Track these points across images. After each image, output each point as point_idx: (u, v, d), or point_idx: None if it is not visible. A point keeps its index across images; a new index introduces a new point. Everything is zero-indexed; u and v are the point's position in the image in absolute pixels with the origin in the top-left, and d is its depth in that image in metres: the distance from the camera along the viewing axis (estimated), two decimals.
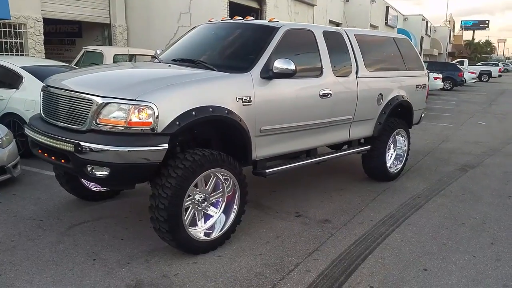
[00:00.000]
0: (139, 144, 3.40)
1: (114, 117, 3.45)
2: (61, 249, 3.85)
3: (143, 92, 3.46)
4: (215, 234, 3.89)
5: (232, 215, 4.00)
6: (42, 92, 4.09)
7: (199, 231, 3.84)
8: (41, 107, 4.10)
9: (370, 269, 3.64)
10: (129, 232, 4.21)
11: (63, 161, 3.66)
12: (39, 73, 6.50)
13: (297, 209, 4.96)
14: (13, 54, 11.12)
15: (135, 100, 3.41)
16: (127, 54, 9.60)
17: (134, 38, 14.37)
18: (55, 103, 3.84)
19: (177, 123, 3.49)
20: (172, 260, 3.70)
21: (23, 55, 11.38)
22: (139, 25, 14.33)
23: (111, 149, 3.36)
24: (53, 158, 3.77)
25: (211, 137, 4.19)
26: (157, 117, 3.43)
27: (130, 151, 3.37)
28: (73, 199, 4.97)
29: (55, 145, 3.63)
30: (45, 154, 3.85)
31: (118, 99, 3.43)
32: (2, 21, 10.73)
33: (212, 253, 3.84)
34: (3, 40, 11.03)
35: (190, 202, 3.74)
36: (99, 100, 3.46)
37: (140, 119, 3.43)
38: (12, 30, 11.22)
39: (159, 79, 3.74)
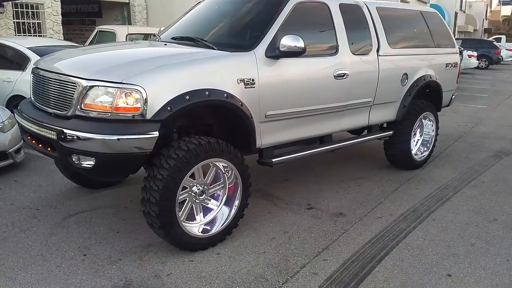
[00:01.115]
0: (126, 132, 3.07)
1: (99, 102, 3.12)
2: (52, 242, 3.61)
3: (130, 74, 3.12)
4: (215, 230, 3.56)
5: (234, 209, 3.66)
6: (31, 75, 3.81)
7: (197, 226, 3.52)
8: (31, 90, 3.82)
9: (386, 274, 3.24)
10: (126, 224, 3.94)
11: (49, 149, 3.39)
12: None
13: (309, 200, 4.57)
14: (31, 35, 11.00)
15: (120, 83, 3.06)
16: (141, 34, 9.28)
17: (153, 17, 14.07)
18: (42, 86, 3.55)
19: (168, 108, 3.14)
20: (167, 257, 3.40)
21: (41, 35, 11.25)
22: (158, 3, 13.98)
23: (95, 137, 3.05)
24: (40, 145, 3.49)
25: (211, 123, 3.83)
26: (145, 101, 3.08)
27: (116, 139, 3.04)
28: (74, 186, 4.73)
29: (39, 132, 3.35)
30: (33, 142, 3.58)
31: (102, 82, 3.10)
32: (20, 1, 10.58)
33: (211, 250, 3.52)
34: (21, 20, 10.91)
35: (186, 194, 3.41)
36: (83, 83, 3.13)
37: (127, 104, 3.10)
38: (30, 10, 11.08)
39: (149, 60, 3.38)
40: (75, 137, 3.10)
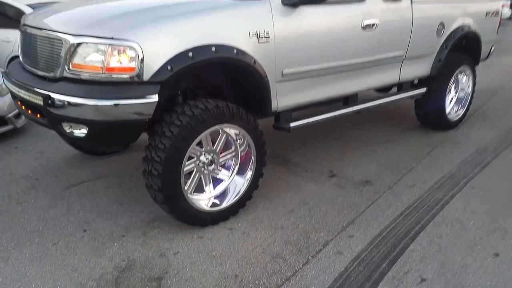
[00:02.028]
0: (120, 96, 2.66)
1: (89, 62, 2.69)
2: (50, 216, 3.31)
3: (122, 28, 2.67)
4: (226, 203, 3.20)
5: (248, 179, 3.27)
6: (19, 32, 3.39)
7: (206, 200, 3.15)
8: (19, 50, 3.41)
9: (422, 253, 2.84)
10: (131, 195, 3.60)
11: (39, 116, 3.01)
12: None
13: (332, 167, 4.14)
14: None
15: (112, 38, 2.63)
16: None
17: None
18: (29, 45, 3.14)
19: (168, 68, 2.70)
20: (174, 234, 3.06)
21: None
22: None
23: (86, 102, 2.65)
24: (29, 112, 3.12)
25: (221, 84, 3.39)
26: (141, 60, 2.64)
27: (109, 105, 2.64)
28: (77, 153, 4.40)
29: (26, 97, 2.97)
30: (23, 107, 3.21)
31: (91, 38, 2.66)
32: None
33: (222, 225, 3.17)
34: None
35: (193, 165, 3.03)
36: (70, 40, 2.70)
37: (120, 63, 2.66)
38: None
39: (145, 11, 2.90)
40: (65, 103, 2.71)
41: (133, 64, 2.65)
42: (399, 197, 3.57)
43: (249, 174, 3.27)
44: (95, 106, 2.65)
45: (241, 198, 3.26)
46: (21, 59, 3.37)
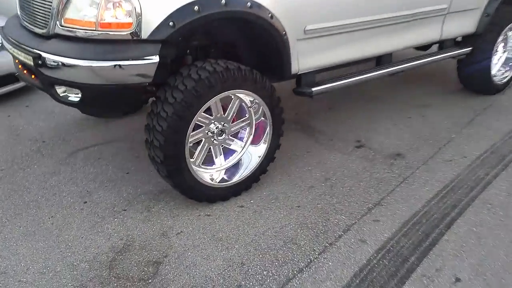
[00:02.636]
0: (115, 56, 2.32)
1: (83, 16, 2.35)
2: (51, 184, 3.09)
3: None
4: (238, 176, 2.88)
5: (263, 151, 2.93)
6: None
7: (215, 173, 2.84)
8: (17, 3, 3.08)
9: (459, 245, 2.46)
10: (138, 163, 3.34)
11: (33, 77, 2.72)
12: None
13: (359, 135, 3.74)
14: None
15: None
16: None
17: None
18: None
19: (170, 24, 2.32)
20: (180, 209, 2.79)
21: None
22: None
23: (75, 63, 2.33)
24: (25, 72, 2.84)
25: (236, 42, 2.98)
26: (139, 15, 2.28)
27: (101, 67, 2.31)
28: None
29: (19, 56, 2.67)
30: (20, 67, 2.92)
31: None
32: None
33: (233, 202, 2.87)
34: None
35: (202, 134, 2.70)
36: None
37: (116, 18, 2.31)
38: None
39: None
40: (56, 63, 2.39)
41: (130, 19, 2.29)
42: (435, 174, 3.16)
43: (264, 145, 2.92)
44: (88, 68, 2.33)
45: (255, 172, 2.93)
46: (18, 13, 3.05)
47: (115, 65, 2.32)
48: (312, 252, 2.42)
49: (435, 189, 2.98)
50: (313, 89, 3.10)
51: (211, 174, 2.82)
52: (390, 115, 4.12)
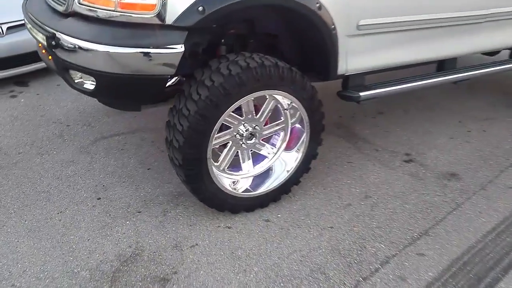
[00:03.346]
0: (133, 42, 2.04)
1: None
2: (67, 174, 2.89)
3: None
4: (266, 187, 2.56)
5: (297, 160, 2.59)
6: None
7: (241, 180, 2.53)
8: None
9: None
10: (162, 158, 3.08)
11: (50, 58, 2.48)
12: None
13: (410, 148, 3.32)
14: None
15: None
16: None
17: None
18: None
19: (199, 9, 2.01)
20: (199, 217, 2.51)
21: None
22: None
23: (90, 46, 2.06)
24: (43, 52, 2.61)
25: (279, 33, 2.64)
26: None
27: (117, 53, 2.03)
28: None
29: (35, 35, 2.44)
30: (39, 45, 2.70)
31: None
32: None
33: (258, 214, 2.55)
34: None
35: (229, 136, 2.39)
36: None
37: None
38: None
39: None
40: (72, 46, 2.13)
41: (153, 0, 1.99)
42: (493, 202, 2.71)
43: (298, 154, 2.58)
44: (104, 53, 2.05)
45: (286, 182, 2.60)
46: None
47: (134, 52, 2.04)
48: (342, 287, 2.07)
49: (493, 221, 2.54)
50: (361, 93, 2.71)
51: (236, 182, 2.51)
52: (447, 127, 3.65)
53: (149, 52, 2.04)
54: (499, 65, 3.43)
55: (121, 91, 2.21)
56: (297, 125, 2.53)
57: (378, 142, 3.39)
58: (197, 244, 2.31)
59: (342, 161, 3.12)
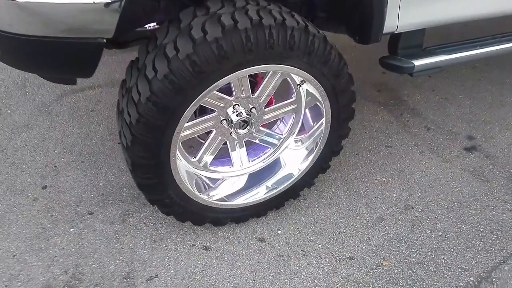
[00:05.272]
0: None
1: None
2: (16, 145, 2.24)
3: None
4: (271, 191, 1.82)
5: (311, 156, 1.81)
6: None
7: (230, 178, 1.81)
8: None
9: None
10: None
11: None
12: None
13: (474, 128, 2.44)
14: None
15: None
16: None
17: None
18: None
19: None
20: (168, 229, 1.84)
21: None
22: None
23: None
24: None
25: None
26: None
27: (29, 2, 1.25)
28: None
29: None
30: None
31: None
32: None
33: (252, 228, 1.85)
34: None
35: (212, 122, 1.62)
36: None
37: None
38: None
39: None
40: None
41: None
42: None
43: (315, 147, 1.79)
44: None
45: (293, 186, 1.85)
46: None
47: (48, 3, 1.25)
48: None
49: None
50: (416, 62, 1.81)
51: (215, 186, 1.78)
52: None
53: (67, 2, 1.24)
54: None
55: (33, 57, 1.43)
56: (315, 105, 1.72)
57: (432, 116, 2.52)
58: (156, 276, 1.65)
59: (378, 144, 2.31)
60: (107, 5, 1.24)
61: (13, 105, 2.52)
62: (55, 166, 2.12)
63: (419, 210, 1.95)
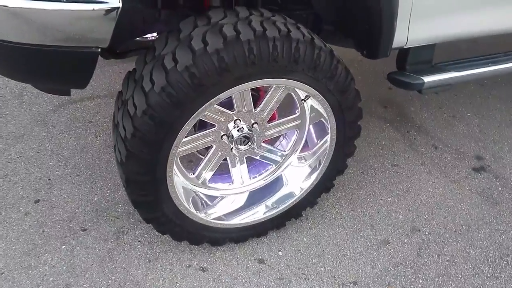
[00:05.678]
0: None
1: None
2: (10, 157, 2.17)
3: None
4: (272, 210, 1.74)
5: (314, 174, 1.73)
6: None
7: (229, 196, 1.73)
8: None
9: None
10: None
11: None
12: None
13: (483, 148, 2.36)
14: None
15: None
16: None
17: None
18: None
19: None
20: (163, 248, 1.75)
21: None
22: None
23: None
24: None
25: None
26: None
27: (23, 9, 1.18)
28: None
29: None
30: None
31: None
32: None
33: (251, 248, 1.76)
34: None
35: (211, 137, 1.54)
36: None
37: None
38: None
39: None
40: None
41: None
42: None
43: (319, 166, 1.72)
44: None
45: (296, 205, 1.77)
46: None
47: (41, 9, 1.19)
48: None
49: None
50: (426, 78, 1.74)
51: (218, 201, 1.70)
52: None
53: (62, 10, 1.18)
54: None
55: (27, 67, 1.36)
56: (320, 122, 1.65)
57: (439, 135, 2.44)
58: None
59: (384, 162, 2.23)
60: (103, 13, 1.18)
61: (9, 114, 2.45)
62: (49, 179, 2.04)
63: (426, 233, 1.86)
